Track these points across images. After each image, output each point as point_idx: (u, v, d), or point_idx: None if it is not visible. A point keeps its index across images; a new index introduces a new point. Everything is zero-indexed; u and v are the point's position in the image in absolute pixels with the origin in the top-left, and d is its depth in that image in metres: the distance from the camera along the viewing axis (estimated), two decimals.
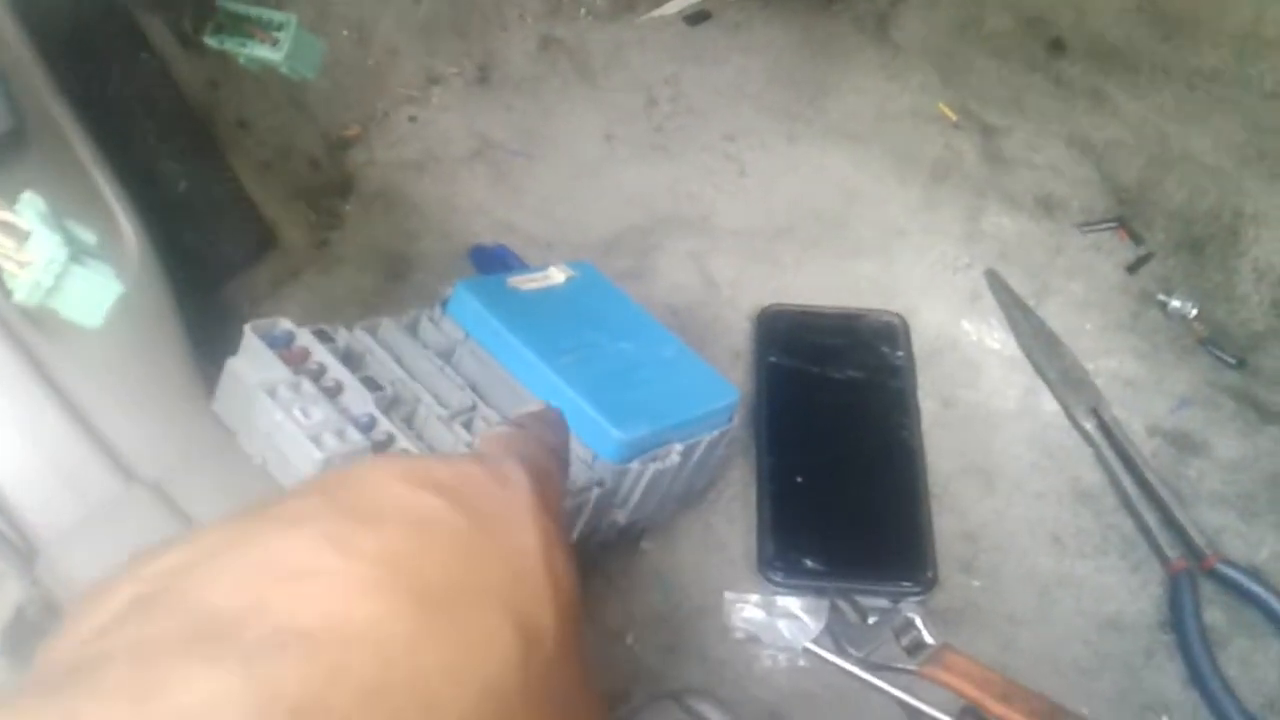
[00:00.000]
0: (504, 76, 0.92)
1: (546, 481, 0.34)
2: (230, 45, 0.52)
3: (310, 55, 0.53)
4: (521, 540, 0.30)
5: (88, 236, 0.42)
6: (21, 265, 0.37)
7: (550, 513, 0.32)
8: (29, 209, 0.40)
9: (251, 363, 0.52)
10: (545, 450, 0.38)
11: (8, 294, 0.38)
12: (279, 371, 0.51)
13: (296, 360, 0.52)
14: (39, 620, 0.52)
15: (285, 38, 0.51)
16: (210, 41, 0.52)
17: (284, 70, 0.52)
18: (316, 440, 0.47)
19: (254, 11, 0.51)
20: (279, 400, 0.49)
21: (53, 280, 0.37)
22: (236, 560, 0.27)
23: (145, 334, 0.57)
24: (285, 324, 0.53)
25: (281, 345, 0.52)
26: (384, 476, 0.30)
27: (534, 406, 0.43)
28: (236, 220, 0.78)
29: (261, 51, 0.51)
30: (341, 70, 0.86)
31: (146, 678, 0.23)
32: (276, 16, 0.51)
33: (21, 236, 0.40)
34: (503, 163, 0.87)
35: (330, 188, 0.84)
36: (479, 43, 0.93)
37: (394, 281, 0.79)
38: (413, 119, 0.89)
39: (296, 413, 0.48)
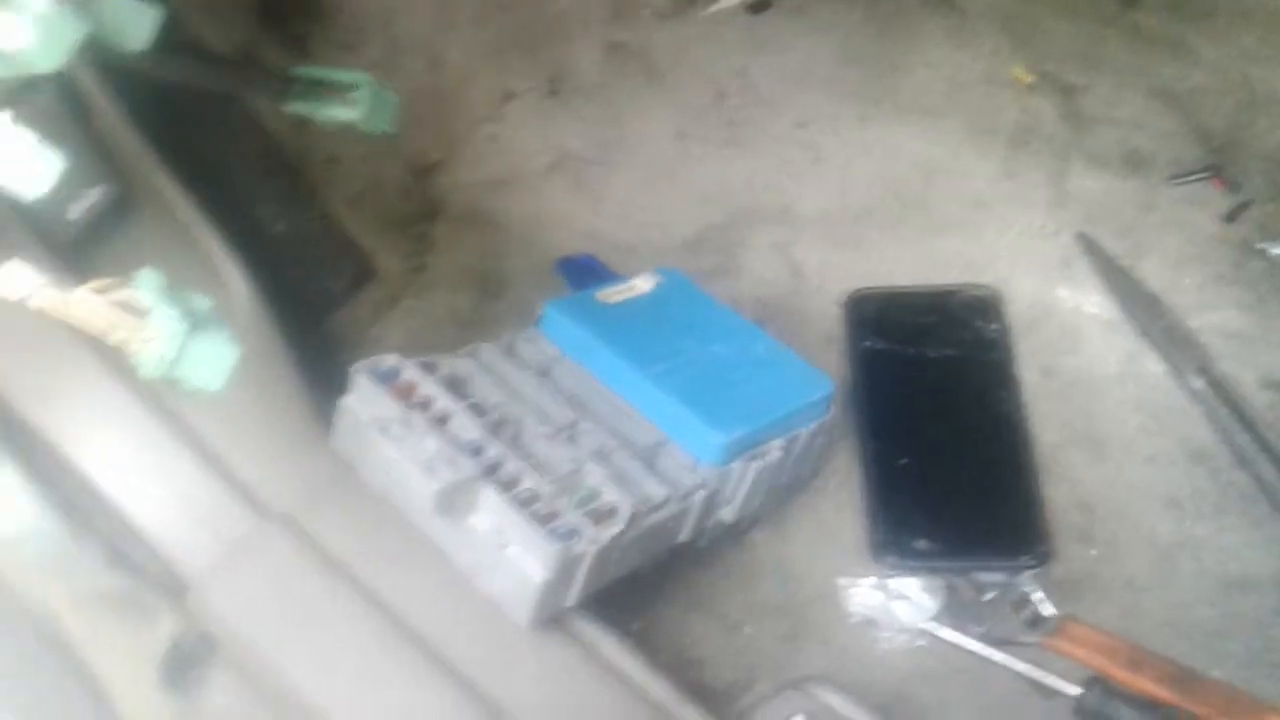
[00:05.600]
0: (574, 87, 0.93)
1: None
2: (309, 110, 0.54)
3: (385, 110, 0.55)
4: None
5: (202, 302, 0.45)
6: (145, 342, 0.40)
7: None
8: (147, 285, 0.43)
9: (363, 401, 0.54)
10: None
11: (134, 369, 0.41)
12: (389, 408, 0.53)
13: (404, 394, 0.54)
14: (194, 651, 0.55)
15: (361, 98, 0.53)
16: (290, 108, 0.54)
17: (362, 128, 0.54)
18: (431, 472, 0.49)
19: (329, 75, 0.53)
20: (391, 436, 0.51)
21: (175, 353, 0.40)
22: None
23: (262, 377, 0.60)
24: (391, 360, 0.56)
25: (389, 381, 0.55)
26: None
27: None
28: (334, 254, 0.82)
29: (339, 112, 0.53)
30: (419, 100, 0.89)
31: None
32: (350, 77, 0.53)
33: (142, 313, 0.43)
34: (580, 172, 0.88)
35: (419, 214, 0.87)
36: (547, 56, 0.95)
37: (489, 300, 0.81)
38: (491, 138, 0.91)
39: (409, 447, 0.50)
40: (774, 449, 0.60)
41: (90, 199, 0.55)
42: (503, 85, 0.93)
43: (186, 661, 0.55)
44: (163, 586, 0.57)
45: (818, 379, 0.64)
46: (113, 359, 0.56)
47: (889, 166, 0.84)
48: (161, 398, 0.57)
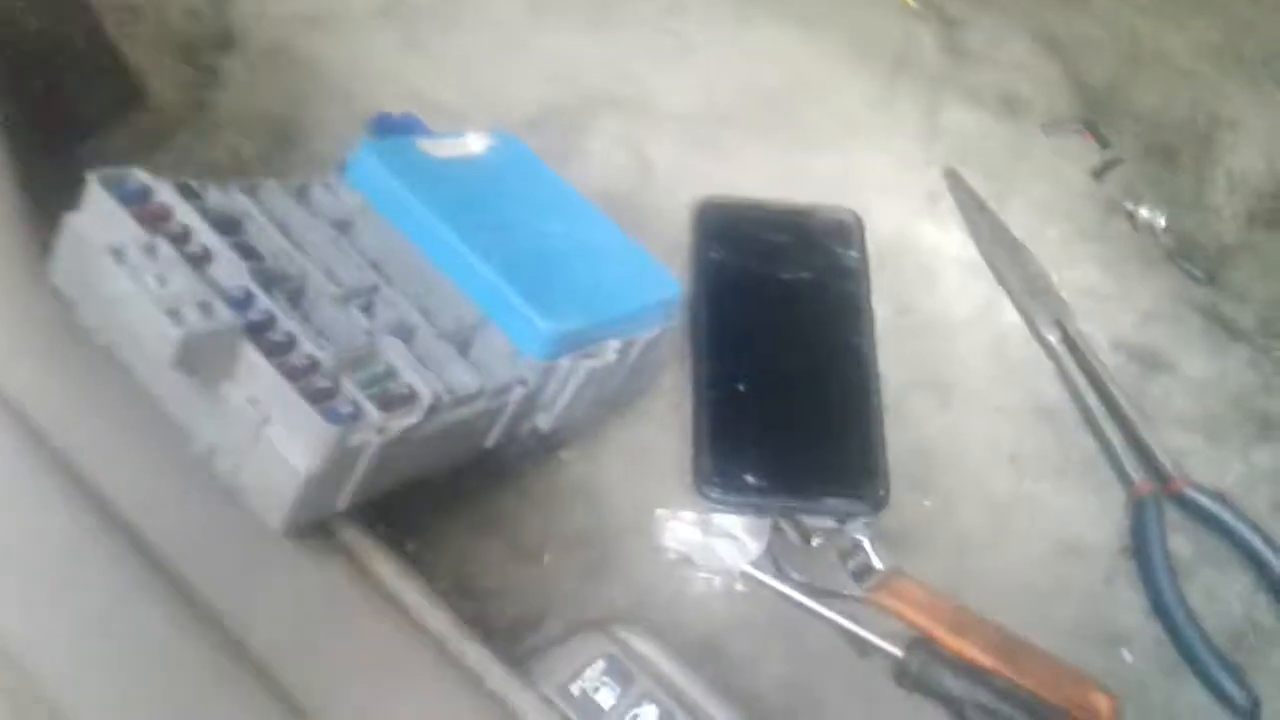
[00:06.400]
0: None
1: None
2: None
3: None
4: None
5: None
6: None
7: None
8: None
9: (96, 220, 0.42)
10: None
11: None
12: (130, 231, 0.41)
13: (154, 219, 0.42)
14: None
15: None
16: None
17: None
18: (174, 314, 0.38)
19: None
20: (127, 264, 0.39)
21: None
22: None
23: None
24: (140, 176, 0.43)
25: (135, 201, 0.43)
26: None
27: None
28: (95, 70, 0.67)
29: None
30: None
31: None
32: None
33: None
34: (414, 23, 0.76)
35: (210, 40, 0.73)
36: None
37: (283, 150, 0.69)
38: None
39: (150, 280, 0.39)
40: (609, 350, 0.51)
41: None
42: None
43: None
44: None
45: (665, 279, 0.56)
46: None
47: (761, 71, 0.76)
48: None
